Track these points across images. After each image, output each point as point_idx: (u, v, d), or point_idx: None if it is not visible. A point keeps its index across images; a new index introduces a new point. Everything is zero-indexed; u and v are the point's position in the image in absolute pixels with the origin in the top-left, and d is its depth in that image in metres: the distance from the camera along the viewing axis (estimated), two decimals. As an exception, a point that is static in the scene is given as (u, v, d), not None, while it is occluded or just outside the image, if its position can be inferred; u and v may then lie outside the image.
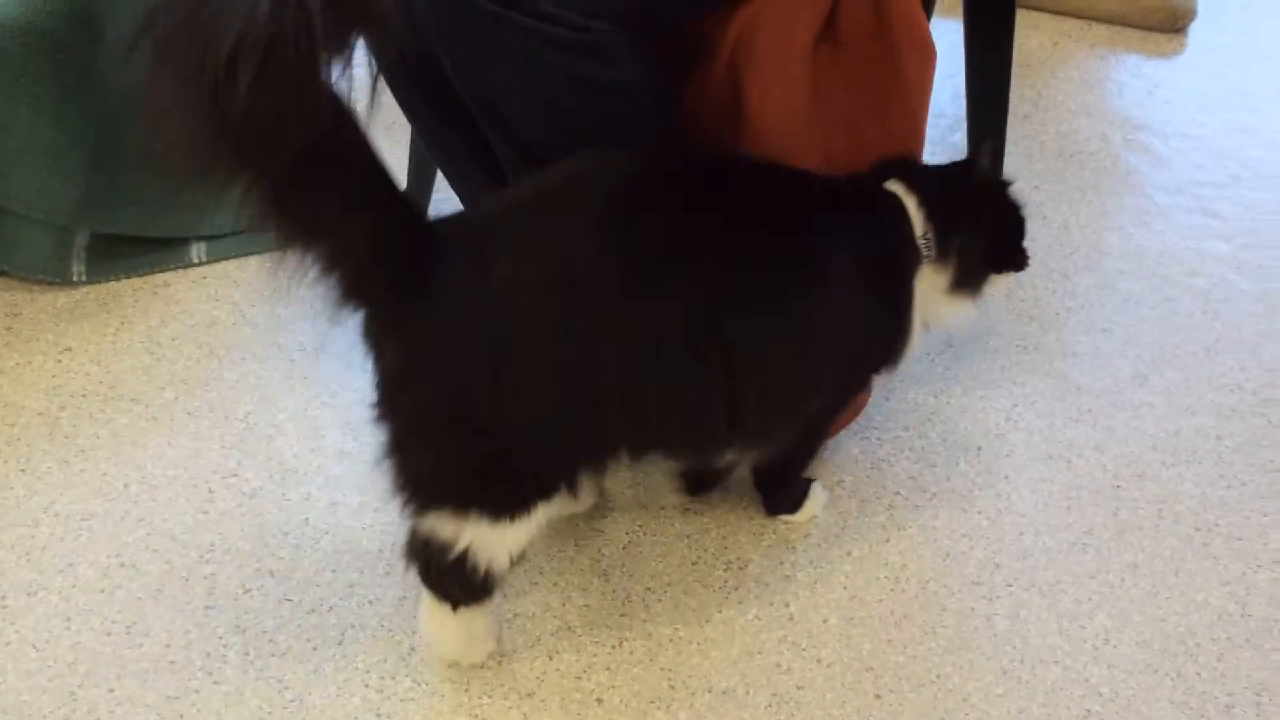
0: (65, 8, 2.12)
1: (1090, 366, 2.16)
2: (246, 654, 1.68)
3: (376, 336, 1.49)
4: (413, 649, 1.68)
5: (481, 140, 1.76)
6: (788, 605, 1.76)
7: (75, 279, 2.26)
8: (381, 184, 1.38)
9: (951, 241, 1.72)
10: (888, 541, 1.85)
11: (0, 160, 2.12)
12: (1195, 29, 3.19)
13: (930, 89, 1.87)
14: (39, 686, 1.63)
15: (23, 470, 1.92)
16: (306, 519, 1.86)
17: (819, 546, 1.84)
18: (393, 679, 1.65)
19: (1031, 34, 3.12)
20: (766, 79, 1.75)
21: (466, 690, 1.64)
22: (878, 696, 1.65)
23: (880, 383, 1.92)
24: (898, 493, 1.93)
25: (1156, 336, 2.23)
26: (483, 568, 1.54)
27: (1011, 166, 2.51)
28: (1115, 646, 1.71)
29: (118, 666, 1.66)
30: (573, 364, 1.47)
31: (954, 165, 1.83)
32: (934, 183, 1.75)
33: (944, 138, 2.67)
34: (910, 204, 1.71)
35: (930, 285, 1.74)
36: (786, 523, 1.87)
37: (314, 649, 1.69)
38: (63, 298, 2.24)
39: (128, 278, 2.29)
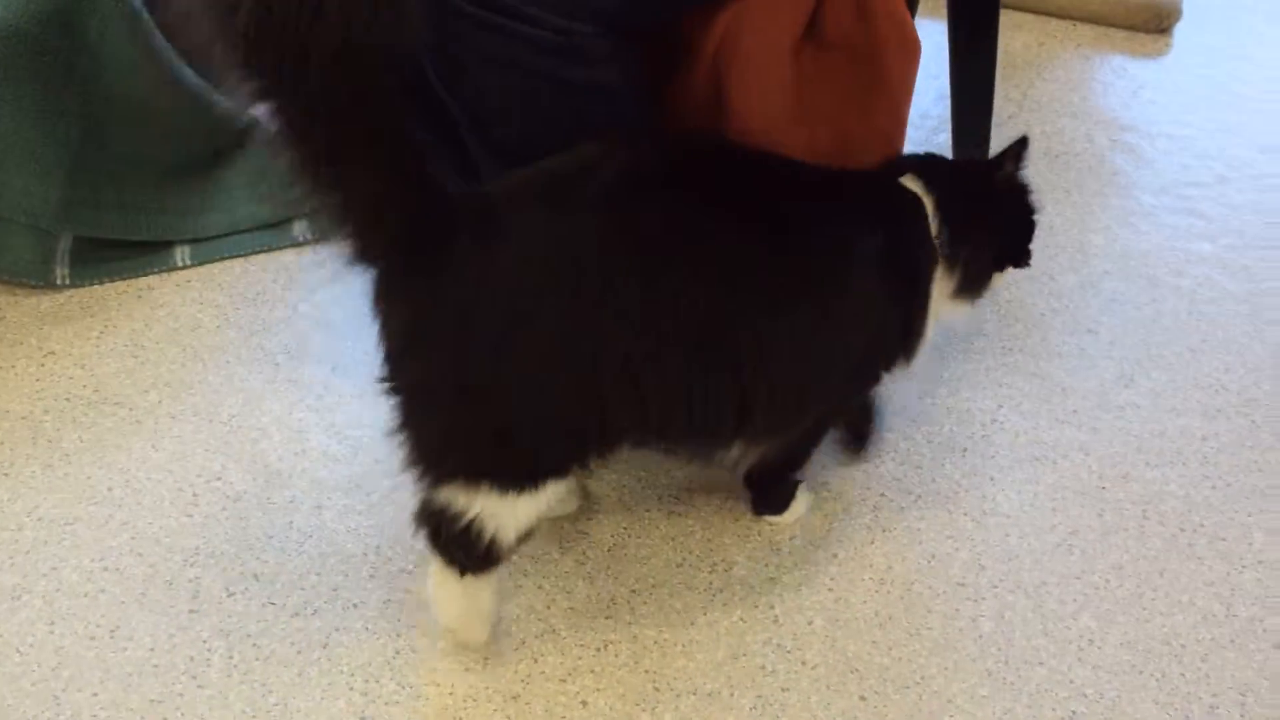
0: (46, 10, 2.11)
1: (1075, 367, 2.16)
2: (230, 658, 1.67)
3: (384, 301, 1.50)
4: (398, 652, 1.68)
5: (454, 135, 1.76)
6: (773, 607, 1.76)
7: (59, 282, 2.26)
8: (406, 146, 1.40)
9: (963, 247, 1.73)
10: (873, 543, 1.85)
11: (-18, 164, 2.12)
12: (1180, 29, 3.19)
13: (913, 87, 1.87)
14: (22, 690, 1.62)
15: (6, 474, 1.91)
16: (291, 522, 1.85)
17: (804, 548, 1.84)
18: (377, 682, 1.65)
19: (1016, 34, 3.12)
20: (749, 79, 1.75)
21: (451, 693, 1.63)
22: (862, 698, 1.65)
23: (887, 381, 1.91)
24: (883, 494, 1.93)
25: (1142, 337, 2.23)
26: (488, 537, 1.56)
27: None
28: (1100, 647, 1.72)
29: (101, 670, 1.65)
30: (575, 348, 1.48)
31: (977, 165, 1.81)
32: (953, 185, 1.75)
33: (928, 139, 2.67)
34: (928, 204, 1.71)
35: (939, 287, 1.75)
36: (772, 524, 1.87)
37: (298, 652, 1.68)
38: (46, 301, 2.23)
39: (111, 281, 2.28)
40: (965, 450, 1.99)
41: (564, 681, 1.65)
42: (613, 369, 1.49)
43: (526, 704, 1.62)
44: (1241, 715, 1.64)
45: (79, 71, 2.18)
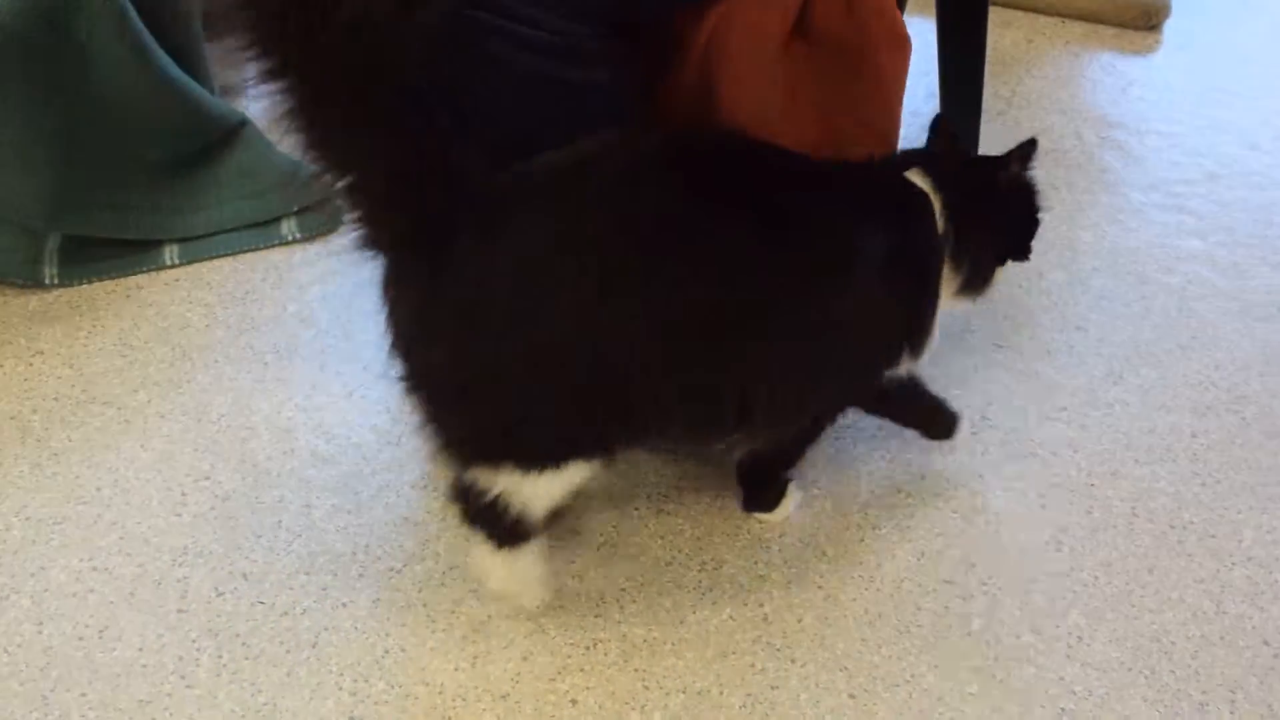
0: (34, 8, 2.10)
1: (1064, 365, 2.16)
2: (219, 657, 1.67)
3: (392, 289, 1.53)
4: (387, 651, 1.68)
5: (449, 133, 1.75)
6: (762, 605, 1.75)
7: (47, 281, 2.25)
8: (418, 133, 1.41)
9: (968, 246, 1.74)
10: (862, 541, 1.85)
11: (-31, 163, 2.12)
12: (1169, 25, 3.19)
13: (905, 83, 1.87)
14: (10, 691, 1.62)
15: (-6, 474, 1.91)
16: (280, 521, 1.85)
17: (794, 546, 1.84)
18: (366, 682, 1.64)
19: (1005, 31, 3.12)
20: (738, 76, 1.75)
21: (440, 693, 1.63)
22: (852, 696, 1.64)
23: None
24: (872, 492, 1.92)
25: (1131, 334, 2.23)
26: (515, 513, 1.59)
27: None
28: (1089, 645, 1.71)
29: (90, 671, 1.65)
30: (578, 340, 1.49)
31: (983, 163, 1.81)
32: (961, 183, 1.74)
33: (918, 136, 2.66)
34: (936, 202, 1.71)
35: (945, 285, 1.75)
36: (761, 522, 1.87)
37: (287, 652, 1.68)
38: (34, 301, 2.23)
39: (100, 280, 2.28)
40: (954, 447, 1.98)
41: (553, 680, 1.65)
42: (617, 361, 1.50)
43: (516, 703, 1.62)
44: (1231, 712, 1.64)
45: (66, 70, 2.17)
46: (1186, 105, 2.89)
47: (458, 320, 1.48)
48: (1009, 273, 2.12)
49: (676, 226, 1.51)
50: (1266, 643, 1.72)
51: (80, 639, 1.69)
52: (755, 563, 1.81)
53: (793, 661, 1.68)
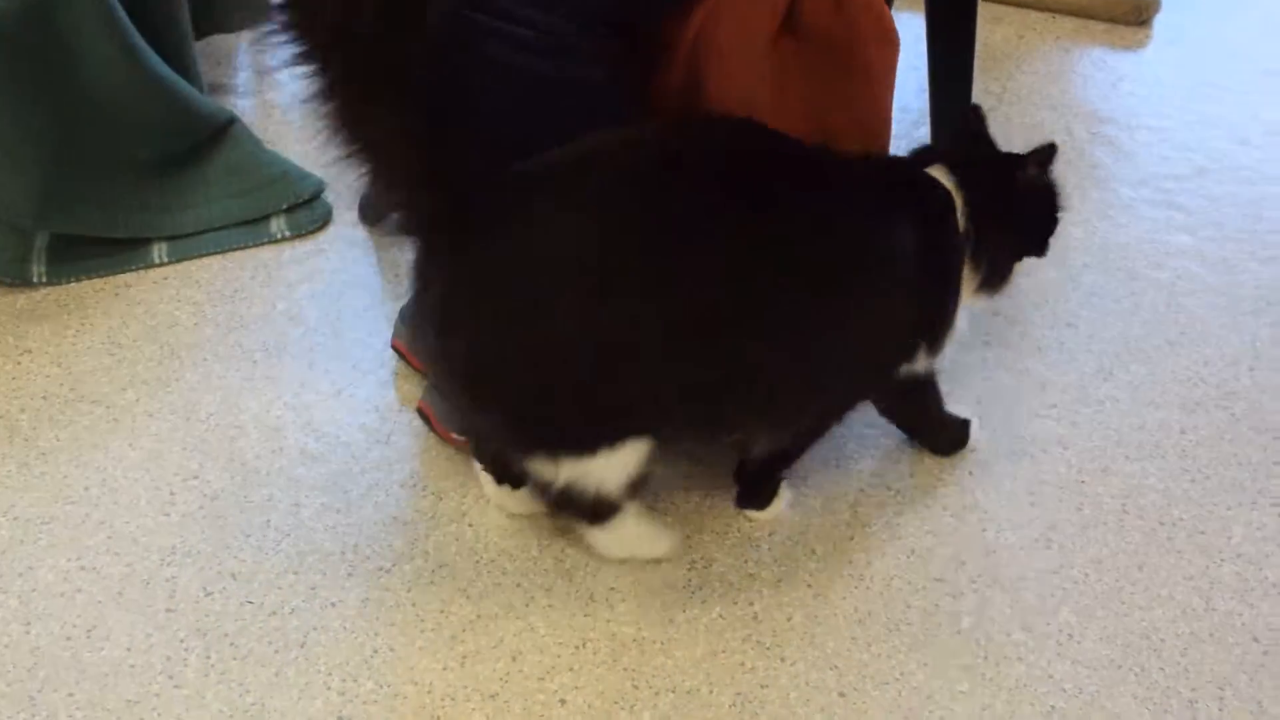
0: (22, 6, 2.10)
1: (1055, 361, 2.16)
2: (207, 657, 1.67)
3: (421, 276, 1.57)
4: (375, 651, 1.68)
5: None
6: (752, 604, 1.75)
7: (35, 280, 2.25)
8: (450, 120, 1.44)
9: (988, 245, 1.76)
10: (852, 539, 1.85)
11: (-44, 162, 2.12)
12: (1159, 21, 3.19)
13: (894, 78, 1.87)
14: (-2, 692, 1.62)
15: (-18, 474, 1.91)
16: (268, 520, 1.85)
17: (783, 544, 1.84)
18: (355, 681, 1.64)
19: (996, 27, 3.12)
20: (727, 73, 1.75)
21: (429, 692, 1.63)
22: (842, 695, 1.64)
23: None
24: (862, 490, 1.92)
25: (1121, 330, 2.23)
26: (590, 495, 1.63)
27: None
28: (1079, 642, 1.71)
29: (77, 671, 1.65)
30: (601, 331, 1.51)
31: (1005, 159, 1.81)
32: (983, 183, 1.75)
33: (909, 132, 2.67)
34: (958, 200, 1.71)
35: (965, 282, 1.77)
36: (751, 520, 1.86)
37: (276, 652, 1.68)
38: (23, 299, 2.23)
39: (89, 278, 2.28)
40: (945, 446, 1.99)
41: (542, 680, 1.65)
42: (625, 356, 1.53)
43: (505, 702, 1.62)
44: (1220, 709, 1.64)
45: (55, 68, 2.17)
46: (1176, 100, 2.89)
47: (473, 311, 1.52)
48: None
49: (688, 223, 1.52)
50: (1256, 639, 1.72)
51: (68, 639, 1.69)
52: (745, 561, 1.81)
53: (782, 660, 1.68)
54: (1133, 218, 2.51)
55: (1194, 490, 1.94)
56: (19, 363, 2.09)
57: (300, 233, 2.39)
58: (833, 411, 1.82)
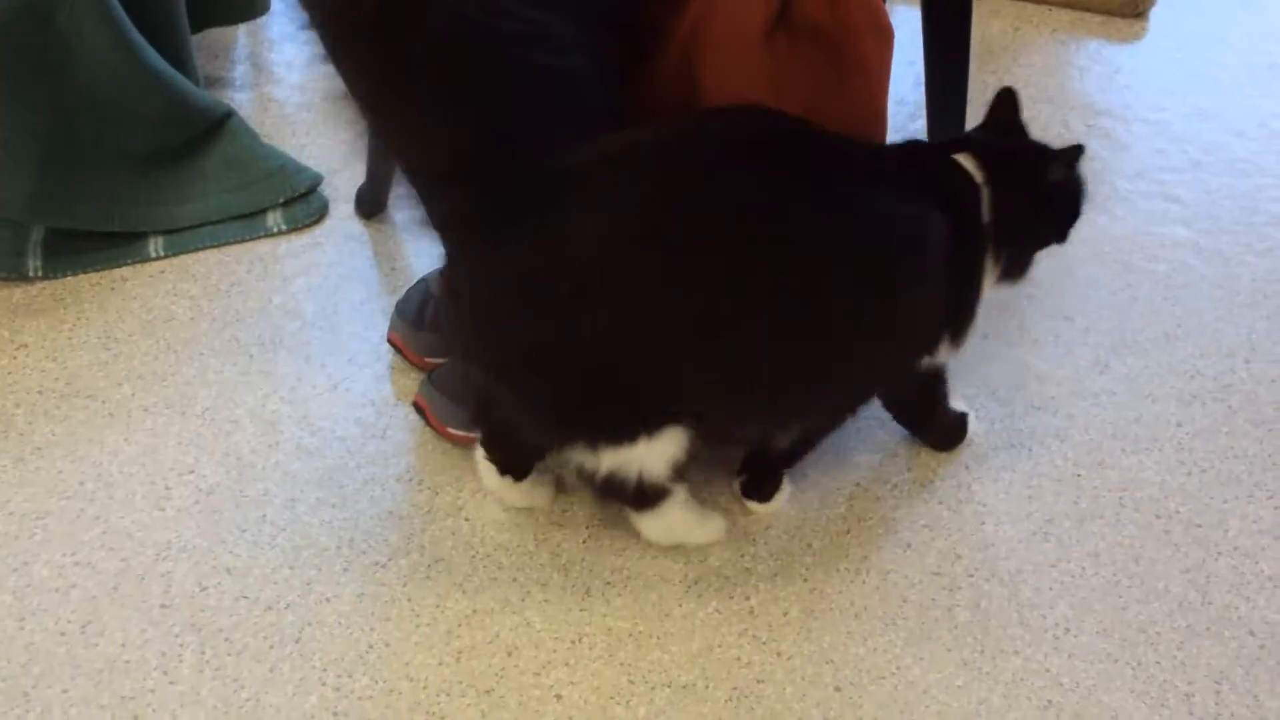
0: (20, 5, 2.09)
1: (1051, 354, 2.16)
2: (203, 653, 1.67)
3: (455, 268, 1.57)
4: (371, 646, 1.67)
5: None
6: (748, 599, 1.75)
7: (31, 274, 2.25)
8: (484, 115, 1.44)
9: (1011, 237, 1.77)
10: (848, 533, 1.85)
11: (-48, 156, 2.11)
12: (1156, 13, 3.19)
13: (889, 72, 1.86)
14: (-8, 688, 1.62)
15: (-23, 469, 1.90)
16: (264, 515, 1.85)
17: (779, 539, 1.83)
18: (350, 677, 1.64)
19: (992, 19, 3.11)
20: (721, 66, 1.74)
21: (424, 688, 1.63)
22: (838, 689, 1.64)
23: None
24: (858, 484, 1.92)
25: (1117, 323, 2.23)
26: (633, 482, 1.63)
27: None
28: (1076, 636, 1.71)
29: (72, 667, 1.64)
30: (648, 319, 1.51)
31: (1031, 151, 1.82)
32: (1010, 177, 1.76)
33: (905, 125, 2.67)
34: (985, 194, 1.72)
35: (987, 273, 1.78)
36: (748, 514, 1.86)
37: (271, 647, 1.67)
38: (18, 293, 2.22)
39: (84, 272, 2.28)
40: (941, 439, 1.99)
41: (538, 675, 1.65)
42: (683, 343, 1.54)
43: (500, 698, 1.62)
44: (1217, 702, 1.64)
45: (49, 62, 2.17)
46: (1173, 93, 2.88)
47: (513, 304, 1.52)
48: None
49: (730, 213, 1.53)
50: (1252, 633, 1.72)
51: (62, 634, 1.68)
52: (741, 555, 1.81)
53: (778, 654, 1.68)
54: (1129, 210, 2.51)
55: (1190, 483, 1.93)
56: (14, 357, 2.09)
57: (297, 226, 2.39)
58: (855, 403, 1.82)
